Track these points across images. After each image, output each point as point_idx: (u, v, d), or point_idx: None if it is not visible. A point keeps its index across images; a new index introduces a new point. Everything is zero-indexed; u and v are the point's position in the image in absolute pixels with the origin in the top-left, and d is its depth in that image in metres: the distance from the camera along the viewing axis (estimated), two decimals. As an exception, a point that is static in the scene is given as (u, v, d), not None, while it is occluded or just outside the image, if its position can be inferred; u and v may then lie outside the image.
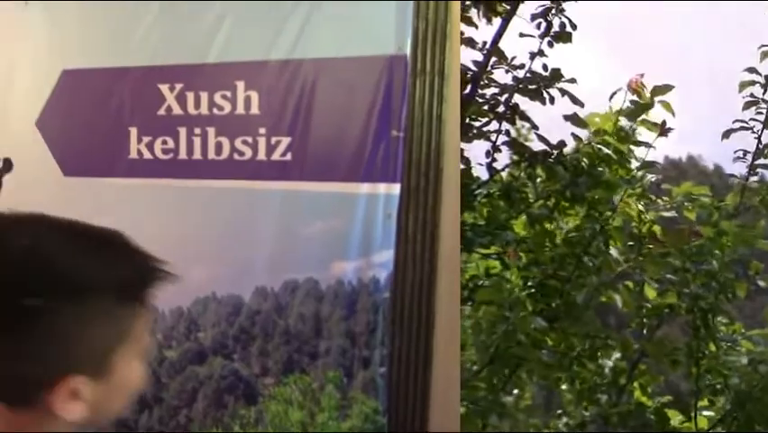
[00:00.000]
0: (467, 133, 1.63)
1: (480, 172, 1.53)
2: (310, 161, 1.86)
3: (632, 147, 1.34)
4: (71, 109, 2.09)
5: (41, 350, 0.59)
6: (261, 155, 1.88)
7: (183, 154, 1.95)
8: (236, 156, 1.91)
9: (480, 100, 1.57)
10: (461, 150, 1.61)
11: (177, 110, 1.94)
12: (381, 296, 1.83)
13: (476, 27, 1.57)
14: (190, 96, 1.93)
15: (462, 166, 1.53)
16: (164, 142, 1.98)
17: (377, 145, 1.82)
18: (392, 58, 1.79)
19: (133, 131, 2.00)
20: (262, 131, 1.88)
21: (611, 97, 1.36)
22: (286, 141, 1.88)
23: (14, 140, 2.13)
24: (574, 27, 1.46)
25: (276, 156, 1.88)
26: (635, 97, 1.37)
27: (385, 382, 1.86)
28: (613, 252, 1.11)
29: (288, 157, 1.87)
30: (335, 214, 1.91)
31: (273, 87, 1.87)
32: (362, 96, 1.81)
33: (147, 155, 1.99)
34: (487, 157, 1.52)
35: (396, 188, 1.81)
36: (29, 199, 2.06)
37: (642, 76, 1.38)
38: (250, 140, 1.89)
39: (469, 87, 1.58)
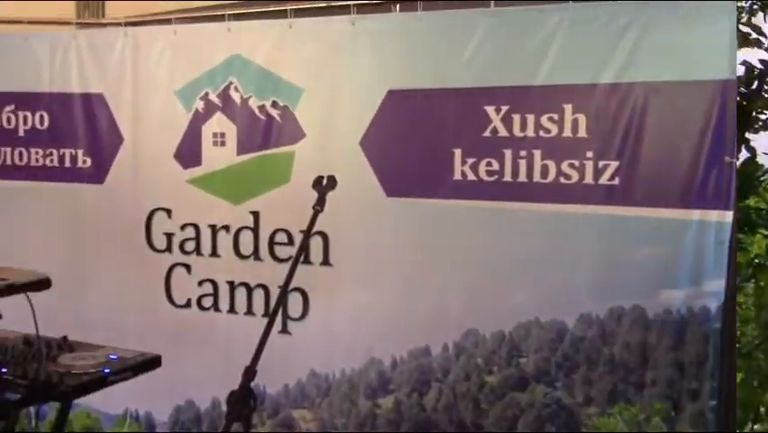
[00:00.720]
0: (753, 126, 3.43)
1: (765, 161, 3.32)
2: (639, 185, 3.57)
3: None
4: (395, 129, 4.01)
5: None
6: (588, 179, 3.64)
7: (508, 176, 3.80)
8: (562, 179, 3.69)
9: (767, 95, 3.34)
10: (748, 140, 3.42)
11: (502, 132, 3.80)
12: (712, 326, 3.47)
13: (765, 36, 3.33)
14: (516, 118, 3.77)
15: (748, 155, 3.33)
16: (488, 164, 3.84)
17: (709, 171, 3.45)
18: (725, 82, 3.41)
19: (458, 152, 3.91)
20: (590, 154, 3.65)
21: None
22: (614, 165, 3.60)
23: (338, 158, 4.08)
24: None
25: (603, 180, 3.62)
26: None
27: (714, 416, 3.61)
28: None
29: (616, 181, 3.60)
30: (664, 240, 3.56)
31: (602, 109, 3.61)
32: (694, 120, 3.46)
33: (471, 177, 3.88)
34: (771, 147, 3.30)
35: (728, 216, 3.41)
36: (351, 218, 4.22)
37: None
38: (577, 163, 3.67)
39: (756, 84, 3.36)
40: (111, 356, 3.40)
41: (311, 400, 4.32)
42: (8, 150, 4.91)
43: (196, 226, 4.55)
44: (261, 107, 4.36)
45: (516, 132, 3.82)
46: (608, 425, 3.67)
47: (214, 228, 4.51)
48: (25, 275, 3.19)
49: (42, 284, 3.20)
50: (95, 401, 4.63)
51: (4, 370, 3.14)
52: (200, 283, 4.56)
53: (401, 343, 4.09)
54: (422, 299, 4.01)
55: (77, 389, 3.16)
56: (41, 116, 4.84)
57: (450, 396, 3.97)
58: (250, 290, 4.44)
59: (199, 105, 4.48)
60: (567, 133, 3.72)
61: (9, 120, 4.89)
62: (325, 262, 4.23)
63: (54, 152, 4.82)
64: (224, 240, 4.49)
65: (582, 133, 3.70)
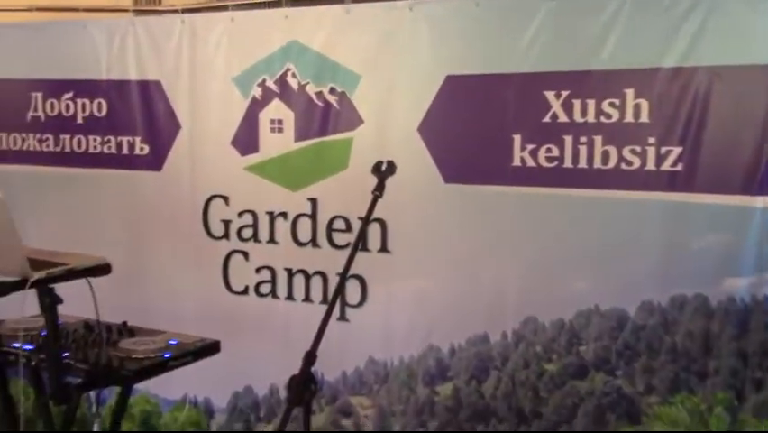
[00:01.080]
0: None
1: None
2: (702, 172, 3.57)
3: None
4: (453, 115, 4.05)
5: None
6: (650, 165, 3.65)
7: (568, 163, 3.82)
8: (624, 165, 3.69)
9: None
10: None
11: (562, 117, 3.82)
12: (776, 314, 3.47)
13: None
14: (577, 103, 3.79)
15: None
16: (548, 150, 3.85)
17: (774, 157, 3.48)
18: (791, 66, 3.38)
19: (517, 138, 3.92)
20: (652, 140, 3.65)
21: None
22: (676, 150, 3.61)
23: (396, 144, 4.13)
24: None
25: (665, 166, 3.63)
26: None
27: (779, 405, 3.58)
28: None
29: (679, 167, 3.60)
30: (728, 228, 3.55)
31: (664, 94, 3.61)
32: (759, 105, 3.45)
33: (530, 163, 3.89)
34: None
35: (794, 203, 3.40)
36: (410, 203, 4.25)
37: None
38: (638, 149, 3.67)
39: None
40: (171, 341, 3.49)
41: (369, 386, 4.39)
42: (67, 137, 5.04)
43: (253, 213, 4.63)
44: (319, 94, 4.41)
45: (577, 117, 3.84)
46: (670, 414, 3.68)
47: (271, 215, 4.59)
48: (85, 260, 3.28)
49: (102, 269, 3.28)
50: (154, 387, 4.71)
51: (65, 354, 3.22)
52: (258, 270, 4.64)
53: (460, 330, 4.14)
54: (480, 286, 4.05)
55: (138, 373, 3.24)
56: (99, 104, 4.95)
57: (509, 384, 4.01)
58: (308, 277, 4.52)
59: (257, 91, 4.55)
60: (629, 118, 3.73)
61: (68, 107, 5.02)
62: (383, 249, 4.29)
63: (112, 139, 4.93)
64: (282, 227, 4.57)
65: (644, 118, 3.70)
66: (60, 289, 3.13)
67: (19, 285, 2.97)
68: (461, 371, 4.13)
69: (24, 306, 3.12)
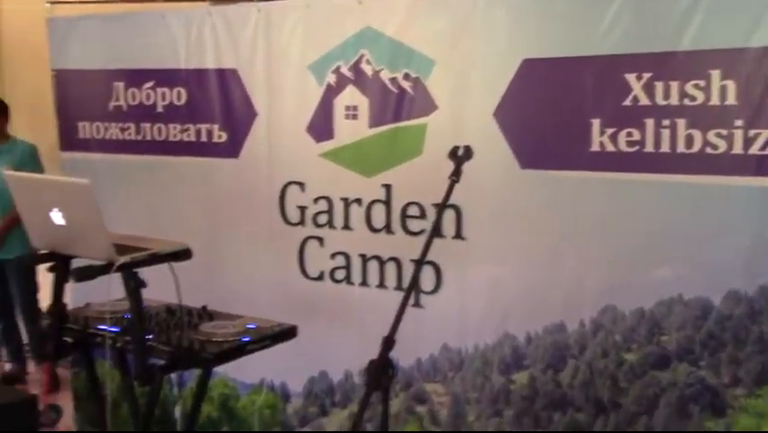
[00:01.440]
0: None
1: None
2: None
3: None
4: (529, 100, 3.85)
5: None
6: (737, 149, 3.40)
7: (650, 147, 3.59)
8: (709, 150, 3.46)
9: None
10: None
11: (644, 100, 3.58)
12: None
13: None
14: (659, 85, 3.55)
15: None
16: (629, 135, 3.63)
17: None
18: None
19: (596, 122, 3.71)
20: (739, 123, 3.40)
21: None
22: (765, 134, 3.35)
23: (471, 130, 3.94)
24: None
25: (754, 150, 3.37)
26: None
27: None
28: None
29: None
30: None
31: (753, 76, 3.36)
32: None
33: (610, 148, 3.68)
34: None
35: None
36: (485, 191, 4.06)
37: None
38: (724, 132, 3.43)
39: None
40: (249, 325, 3.44)
41: (443, 374, 4.23)
42: (148, 126, 4.99)
43: (328, 200, 4.50)
44: (393, 80, 4.25)
45: (659, 100, 3.60)
46: (757, 406, 3.46)
47: (346, 201, 4.46)
48: (167, 245, 3.22)
49: (184, 254, 3.23)
50: (232, 371, 4.65)
51: (149, 336, 3.17)
52: (333, 256, 4.51)
53: (536, 318, 3.95)
54: (557, 274, 3.87)
55: (218, 356, 3.20)
56: (179, 92, 4.88)
57: (586, 373, 3.80)
58: (382, 263, 4.37)
59: (331, 78, 4.41)
60: (714, 100, 3.48)
61: (148, 96, 4.96)
62: (458, 235, 4.11)
63: (191, 127, 4.86)
64: (357, 213, 4.43)
65: (731, 100, 3.45)
66: (142, 273, 3.05)
67: (105, 269, 2.96)
68: (537, 359, 3.94)
69: (110, 289, 3.02)
